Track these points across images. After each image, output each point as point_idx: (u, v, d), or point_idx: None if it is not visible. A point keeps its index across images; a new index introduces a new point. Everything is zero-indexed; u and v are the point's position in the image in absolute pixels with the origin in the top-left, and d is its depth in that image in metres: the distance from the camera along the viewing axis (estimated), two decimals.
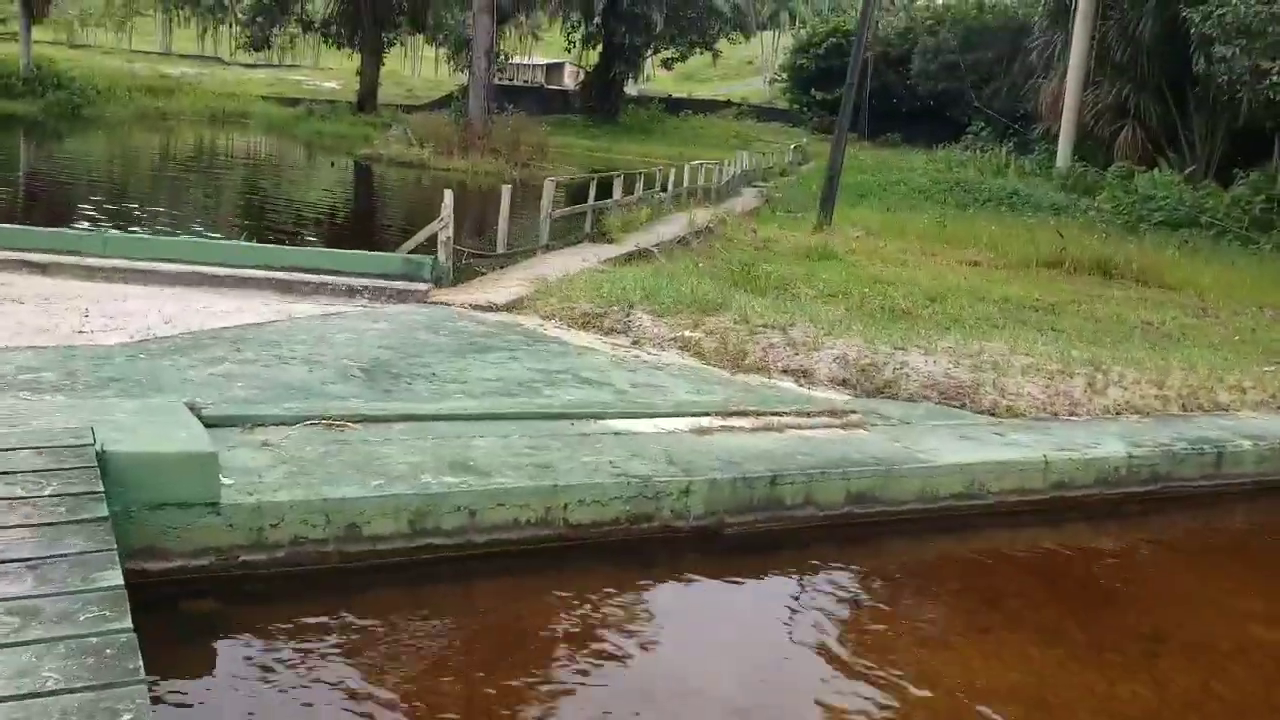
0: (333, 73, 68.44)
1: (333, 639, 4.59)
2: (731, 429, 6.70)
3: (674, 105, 61.93)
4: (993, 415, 7.80)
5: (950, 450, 6.70)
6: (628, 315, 9.65)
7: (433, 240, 10.68)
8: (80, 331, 7.53)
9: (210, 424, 5.58)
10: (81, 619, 3.15)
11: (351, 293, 9.74)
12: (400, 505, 5.09)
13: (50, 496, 4.02)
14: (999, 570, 6.12)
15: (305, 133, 41.71)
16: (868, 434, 6.86)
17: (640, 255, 14.41)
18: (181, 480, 4.69)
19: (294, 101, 51.25)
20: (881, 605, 5.66)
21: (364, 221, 21.62)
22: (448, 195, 10.42)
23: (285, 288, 9.66)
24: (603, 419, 6.61)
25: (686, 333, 9.28)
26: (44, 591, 3.29)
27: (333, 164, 32.43)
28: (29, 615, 3.13)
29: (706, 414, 6.93)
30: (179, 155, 34.35)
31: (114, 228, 15.78)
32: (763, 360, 8.61)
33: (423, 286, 10.01)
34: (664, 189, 20.61)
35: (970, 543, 6.45)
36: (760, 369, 8.49)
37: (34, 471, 4.24)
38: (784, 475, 5.94)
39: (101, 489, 4.14)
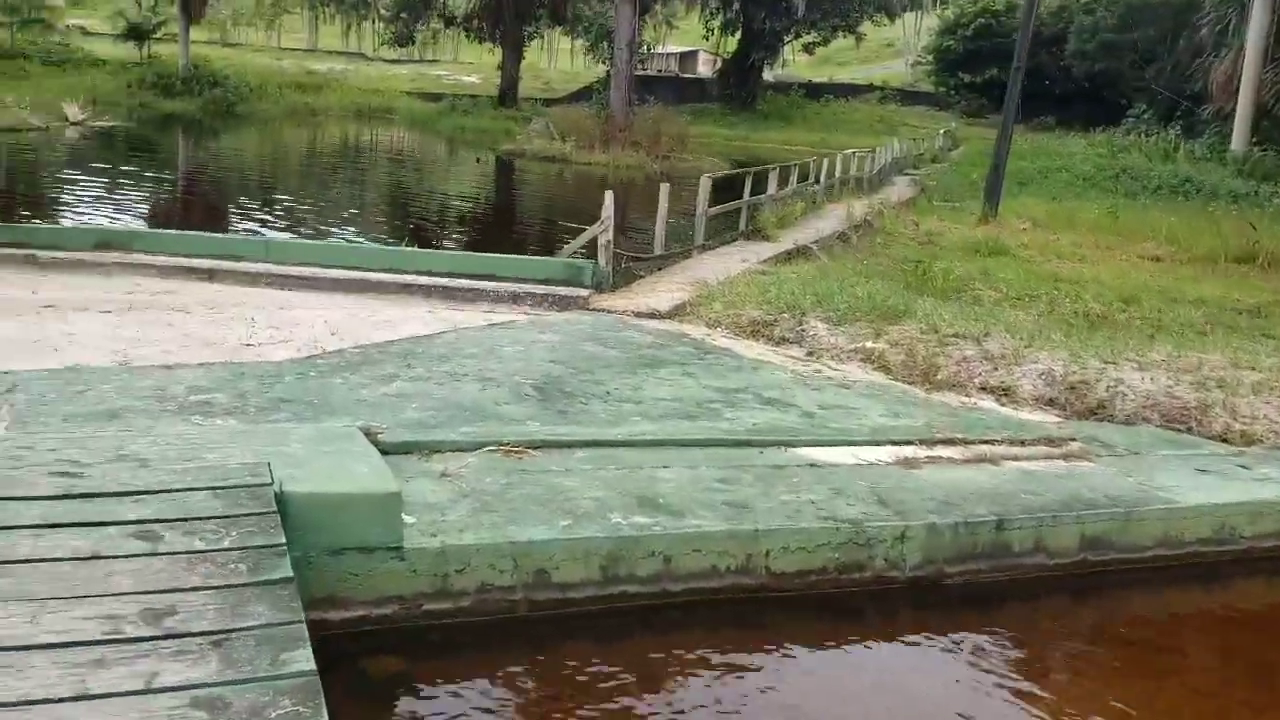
0: (472, 67, 69.37)
1: (526, 698, 4.16)
2: (940, 460, 6.05)
3: (813, 90, 60.62)
4: (1225, 441, 6.94)
5: (1191, 487, 5.91)
6: (800, 324, 9.05)
7: (592, 243, 10.27)
8: (247, 344, 7.34)
9: (387, 451, 5.25)
10: (273, 716, 2.76)
11: (514, 299, 9.40)
12: (591, 549, 4.64)
13: (230, 550, 3.68)
14: (1263, 630, 5.33)
15: (448, 128, 42.16)
16: (1094, 466, 6.12)
17: (799, 253, 13.77)
18: (364, 523, 4.33)
19: (436, 97, 51.98)
20: (1125, 668, 4.95)
21: (510, 218, 21.49)
22: (608, 197, 9.99)
23: (447, 294, 9.38)
24: (794, 447, 6.05)
25: (868, 343, 8.62)
26: (230, 678, 2.91)
27: (477, 159, 32.58)
28: (217, 711, 2.75)
29: (909, 442, 6.29)
30: (328, 151, 35.09)
31: (268, 222, 15.99)
32: (957, 376, 7.91)
33: (584, 292, 9.60)
34: (816, 180, 19.80)
35: (1220, 595, 5.67)
36: (955, 386, 7.79)
37: (212, 518, 3.92)
38: (1010, 519, 5.27)
39: (283, 541, 3.79)
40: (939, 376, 7.97)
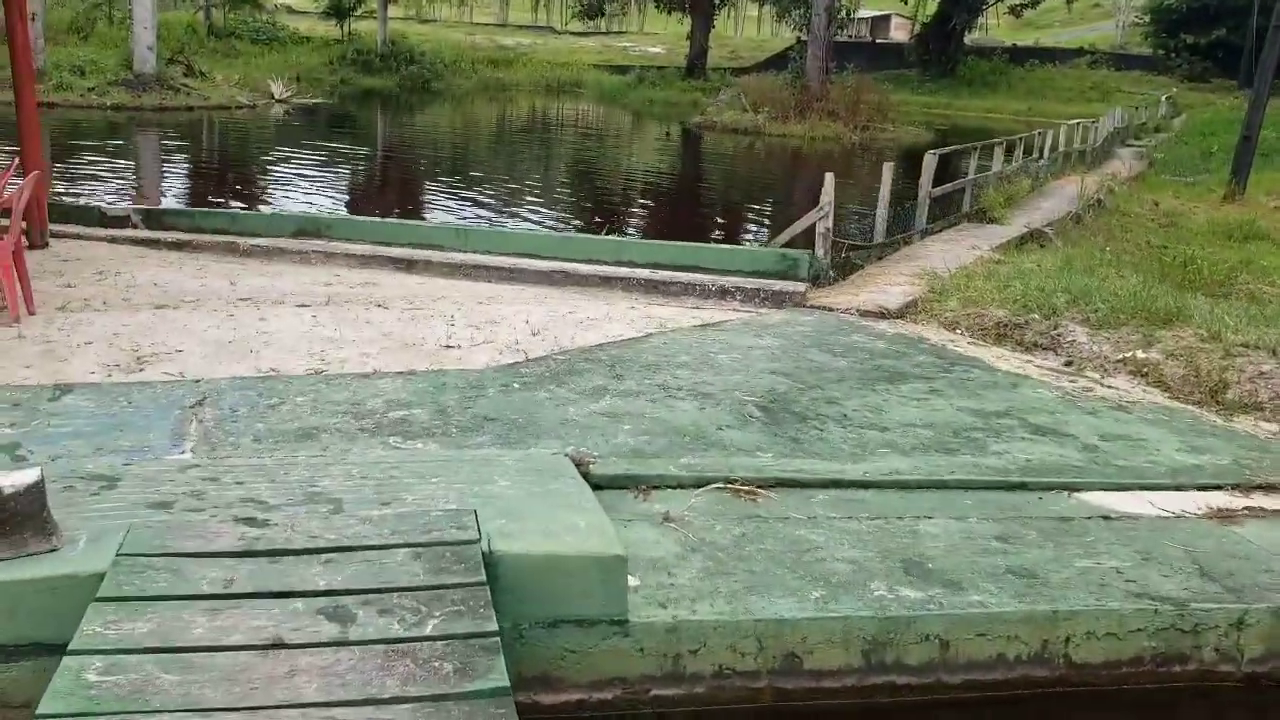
0: (657, 38, 68.71)
1: None
2: (1263, 513, 4.93)
3: (1017, 55, 57.13)
4: None
5: None
6: (1055, 327, 7.91)
7: (808, 231, 9.35)
8: (447, 346, 6.81)
9: (599, 485, 4.58)
10: None
11: (722, 294, 8.60)
12: (851, 631, 3.81)
13: (434, 640, 3.03)
14: None
15: (636, 100, 41.70)
16: None
17: (1033, 238, 12.44)
18: (583, 590, 3.65)
19: (623, 69, 51.64)
20: None
21: (702, 195, 20.69)
22: (828, 180, 9.04)
23: (651, 288, 8.67)
24: (1079, 491, 5.05)
25: (1138, 353, 7.42)
26: None
27: (667, 134, 31.94)
28: None
29: (1219, 486, 5.19)
30: (519, 126, 35.13)
31: (462, 198, 15.73)
32: (1253, 395, 6.65)
33: (800, 287, 8.71)
34: (1040, 154, 18.18)
35: None
36: (1252, 408, 6.55)
37: (413, 589, 3.29)
38: None
39: (495, 628, 3.12)
40: (1228, 395, 6.73)
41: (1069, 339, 7.78)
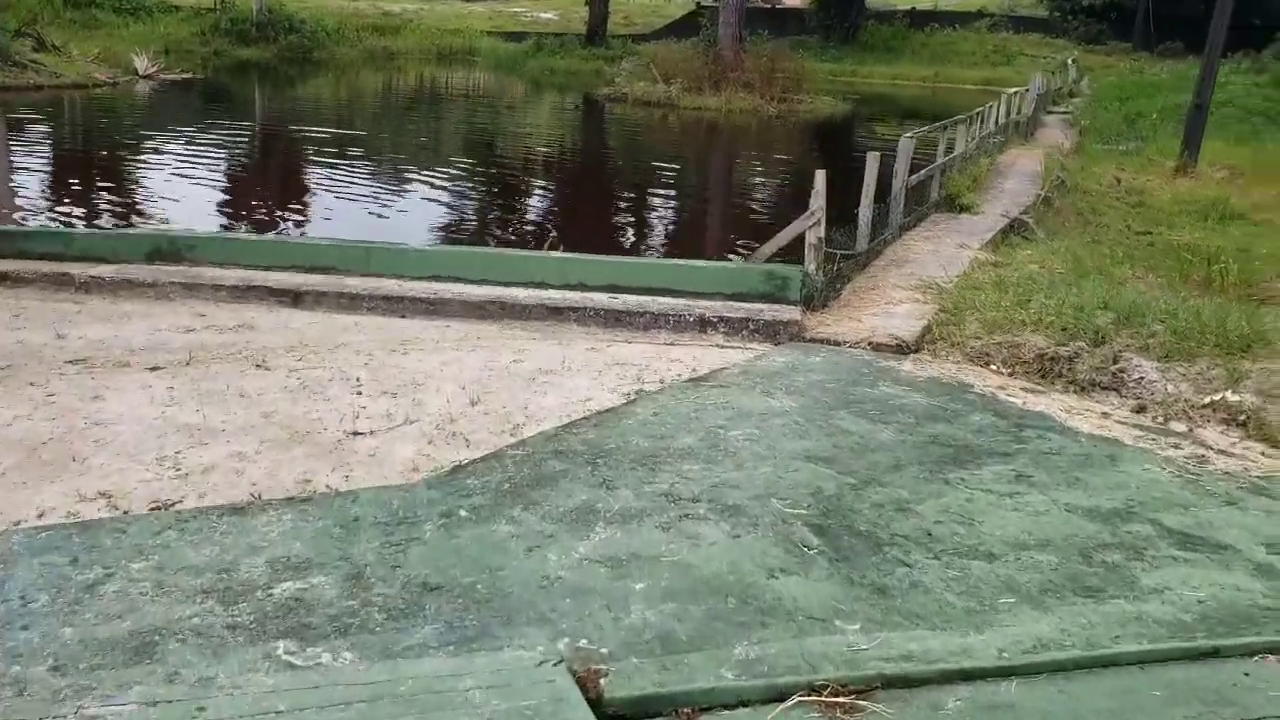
0: (550, 3, 66.17)
1: None
2: None
3: (917, 19, 56.40)
4: None
5: None
6: (1114, 360, 6.41)
7: (796, 243, 7.69)
8: (355, 433, 4.96)
9: (621, 714, 2.87)
10: None
11: (703, 325, 6.88)
12: None
13: None
14: None
15: (535, 69, 39.44)
16: None
17: (1016, 229, 11.01)
18: None
19: (517, 36, 49.15)
20: None
21: (632, 176, 18.88)
22: (819, 180, 7.37)
23: (613, 319, 6.90)
24: None
25: (1228, 395, 5.96)
26: None
27: (577, 106, 29.96)
28: None
29: None
30: (412, 98, 32.68)
31: (354, 184, 13.60)
32: None
33: (793, 312, 7.05)
34: (997, 129, 16.86)
35: None
36: None
37: None
38: None
39: None
40: None
41: (1135, 376, 6.28)
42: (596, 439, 4.87)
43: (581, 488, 4.33)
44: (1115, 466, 4.97)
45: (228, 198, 14.10)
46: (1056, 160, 17.07)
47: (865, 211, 8.63)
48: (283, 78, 34.99)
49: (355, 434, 4.97)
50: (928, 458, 4.89)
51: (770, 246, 7.87)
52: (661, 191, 17.27)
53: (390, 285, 7.21)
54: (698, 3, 52.91)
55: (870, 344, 6.68)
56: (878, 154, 8.68)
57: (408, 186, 15.77)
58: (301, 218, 13.06)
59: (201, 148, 18.36)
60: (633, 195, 16.83)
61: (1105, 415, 5.77)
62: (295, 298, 7.06)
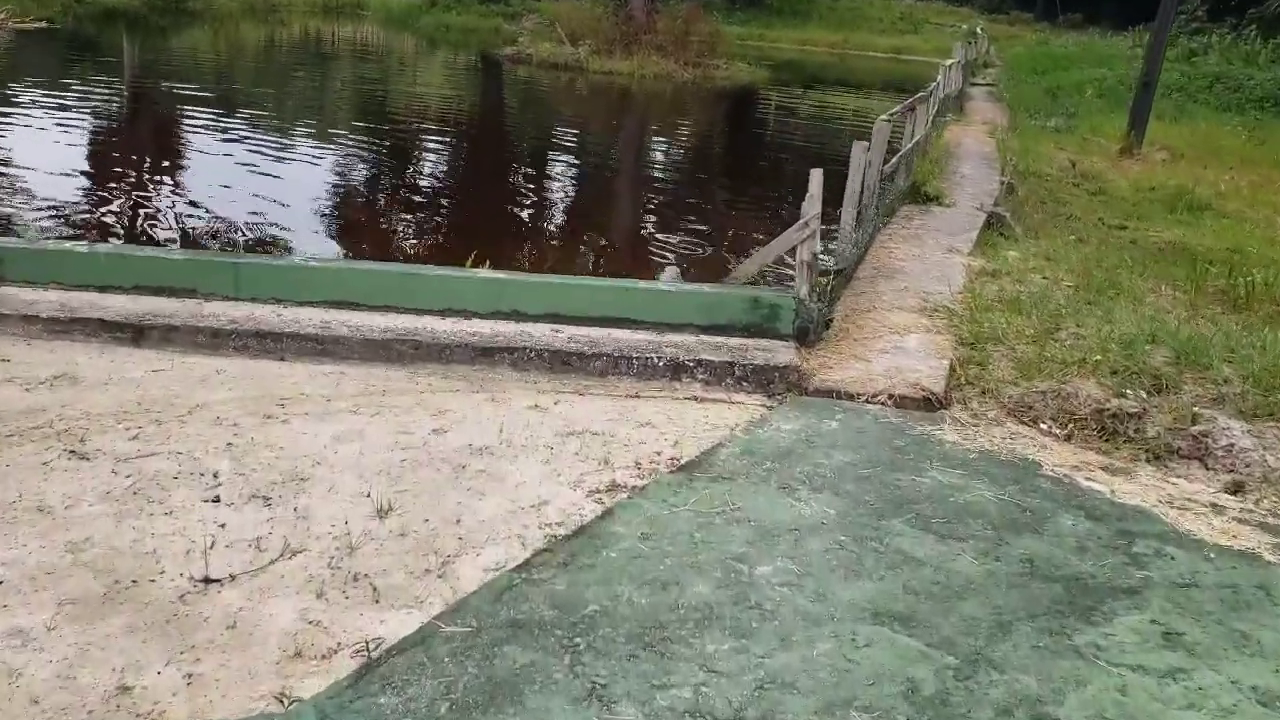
0: None
1: None
2: None
3: None
4: None
5: None
6: (1191, 420, 5.11)
7: (778, 260, 6.20)
8: (206, 579, 3.33)
9: None
10: None
11: (676, 371, 5.36)
12: None
13: None
14: None
15: (430, 25, 37.04)
16: None
17: (994, 226, 9.73)
18: None
19: None
20: None
21: (544, 147, 17.13)
22: (815, 180, 5.88)
23: (560, 362, 5.33)
24: None
25: None
26: None
27: (477, 67, 27.91)
28: None
29: None
30: (297, 54, 30.16)
31: (228, 155, 11.58)
32: None
33: (786, 351, 5.58)
34: (947, 107, 15.62)
35: None
36: None
37: None
38: None
39: None
40: None
41: (1222, 441, 5.00)
42: (569, 592, 3.32)
43: (560, 703, 2.79)
44: (1275, 606, 3.64)
45: (78, 170, 12.00)
46: (1001, 140, 15.97)
47: (849, 212, 7.18)
48: (153, 28, 32.12)
49: (208, 581, 3.33)
50: (1036, 605, 3.47)
51: (753, 264, 6.37)
52: (578, 164, 15.64)
53: (265, 315, 5.50)
54: None
55: (892, 398, 5.25)
56: (866, 143, 7.23)
57: (290, 155, 13.86)
58: (166, 193, 11.13)
59: (51, 109, 16.01)
60: (547, 169, 15.14)
61: (1216, 509, 4.44)
62: (137, 333, 5.30)
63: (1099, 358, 5.74)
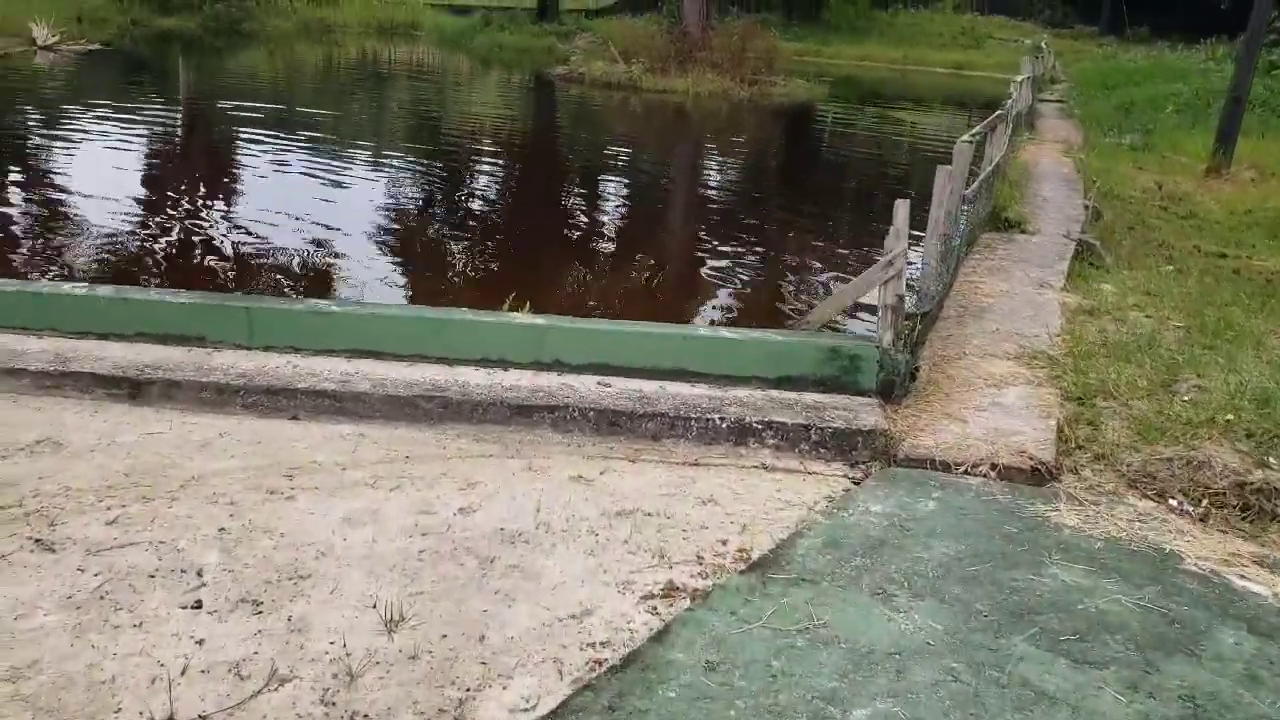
0: None
1: None
2: None
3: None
4: None
5: None
6: None
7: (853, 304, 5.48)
8: None
9: None
10: None
11: (741, 435, 4.66)
12: None
13: None
14: None
15: (483, 46, 36.77)
16: None
17: (1083, 255, 8.92)
18: None
19: (463, 9, 46.32)
20: None
21: (611, 172, 16.53)
22: (900, 209, 5.17)
23: (608, 424, 4.66)
24: None
25: None
26: None
27: (529, 87, 27.48)
28: None
29: None
30: (351, 75, 29.98)
31: (280, 166, 11.10)
32: None
33: (868, 410, 4.86)
34: (1027, 123, 14.75)
35: None
36: None
37: None
38: None
39: None
40: None
41: None
42: None
43: None
44: None
45: (131, 194, 11.67)
46: (1079, 159, 15.09)
47: (933, 245, 6.44)
48: (208, 49, 32.10)
49: None
50: None
51: (829, 307, 5.66)
52: (630, 185, 15.01)
53: (279, 368, 4.90)
54: None
55: (995, 468, 4.51)
56: (949, 167, 6.49)
57: (342, 177, 13.48)
58: (218, 216, 10.85)
59: (106, 131, 15.79)
60: (597, 191, 14.54)
61: None
62: (135, 389, 4.72)
63: (1230, 417, 4.96)
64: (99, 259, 8.92)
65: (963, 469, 4.52)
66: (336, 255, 9.54)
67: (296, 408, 4.70)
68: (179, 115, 19.29)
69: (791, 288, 9.33)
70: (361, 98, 24.24)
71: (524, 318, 5.18)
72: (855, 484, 4.41)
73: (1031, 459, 4.57)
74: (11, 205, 10.94)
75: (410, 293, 8.71)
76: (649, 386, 4.92)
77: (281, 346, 5.08)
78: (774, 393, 4.97)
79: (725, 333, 5.11)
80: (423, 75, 30.95)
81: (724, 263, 10.23)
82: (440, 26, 41.46)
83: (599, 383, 4.92)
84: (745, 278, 9.86)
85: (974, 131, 8.37)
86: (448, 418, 4.69)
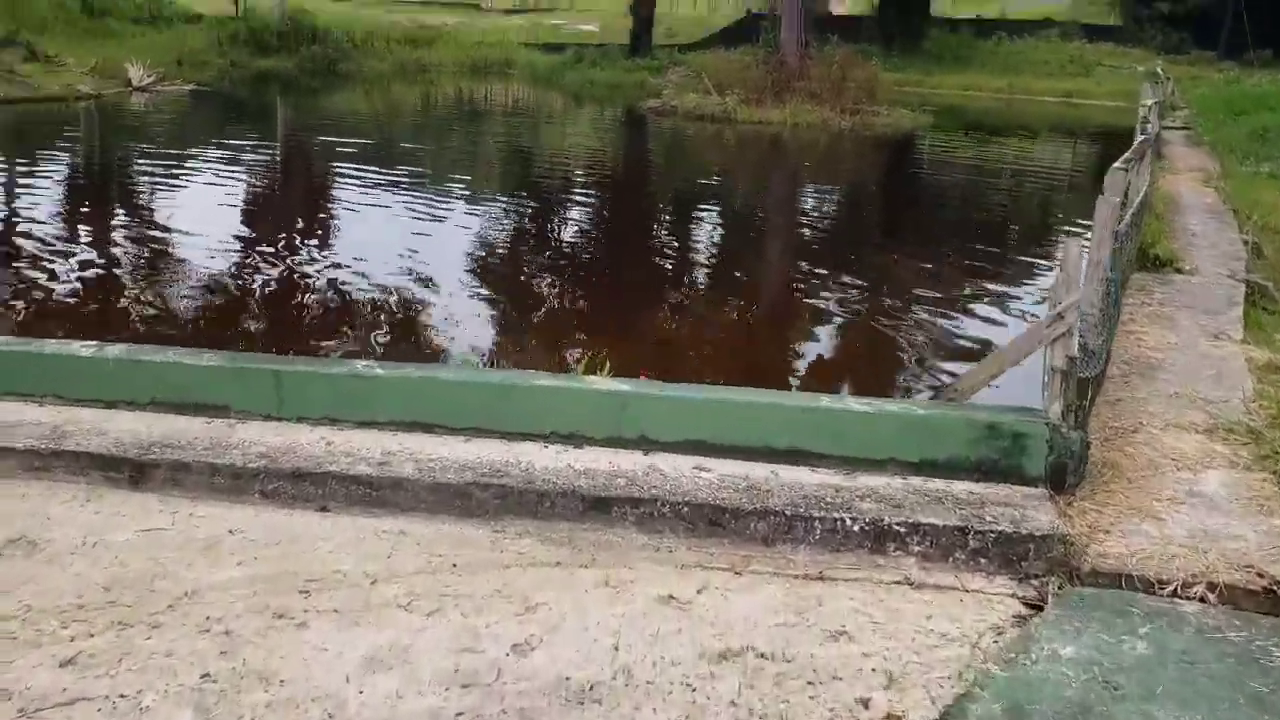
0: (592, 14, 63.40)
1: None
2: None
3: (982, 28, 52.78)
4: None
5: None
6: None
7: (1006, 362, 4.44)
8: None
9: None
10: None
11: (877, 540, 3.66)
12: None
13: None
14: None
15: (575, 81, 36.40)
16: None
17: (1256, 300, 7.70)
18: None
19: (557, 47, 46.23)
20: None
21: (708, 208, 15.67)
22: (1070, 250, 4.19)
23: (705, 521, 3.71)
24: None
25: None
26: None
27: (621, 121, 26.87)
28: None
29: None
30: (446, 113, 29.77)
31: (365, 229, 10.47)
32: None
33: (1038, 505, 3.83)
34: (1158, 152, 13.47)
35: None
36: None
37: None
38: None
39: None
40: None
41: None
42: None
43: None
44: None
45: (225, 230, 11.48)
46: (1220, 188, 13.72)
47: (1093, 290, 5.34)
48: (305, 90, 32.28)
49: None
50: None
51: (983, 372, 4.64)
52: (724, 221, 14.10)
53: (309, 445, 4.06)
54: (748, 10, 49.78)
55: (1213, 588, 3.43)
56: (1112, 199, 5.40)
57: (432, 215, 13.05)
58: (302, 254, 10.74)
59: (205, 169, 15.60)
60: (689, 228, 13.66)
61: None
62: (137, 472, 3.92)
63: None
64: (179, 296, 8.73)
65: (1170, 589, 3.45)
66: (413, 296, 9.07)
67: (326, 496, 3.86)
68: (275, 153, 19.12)
69: (925, 342, 8.23)
70: (454, 135, 23.89)
71: (602, 383, 4.27)
72: (1030, 608, 3.38)
73: (1262, 576, 3.48)
74: (99, 242, 10.78)
75: (487, 337, 7.99)
76: (758, 472, 3.96)
77: (316, 417, 4.25)
78: (916, 481, 3.96)
79: (854, 403, 4.12)
80: (515, 112, 30.64)
81: (839, 310, 9.25)
82: (533, 64, 41.30)
83: (695, 467, 3.97)
84: (866, 330, 8.83)
85: (1125, 158, 7.25)
86: (506, 511, 3.79)
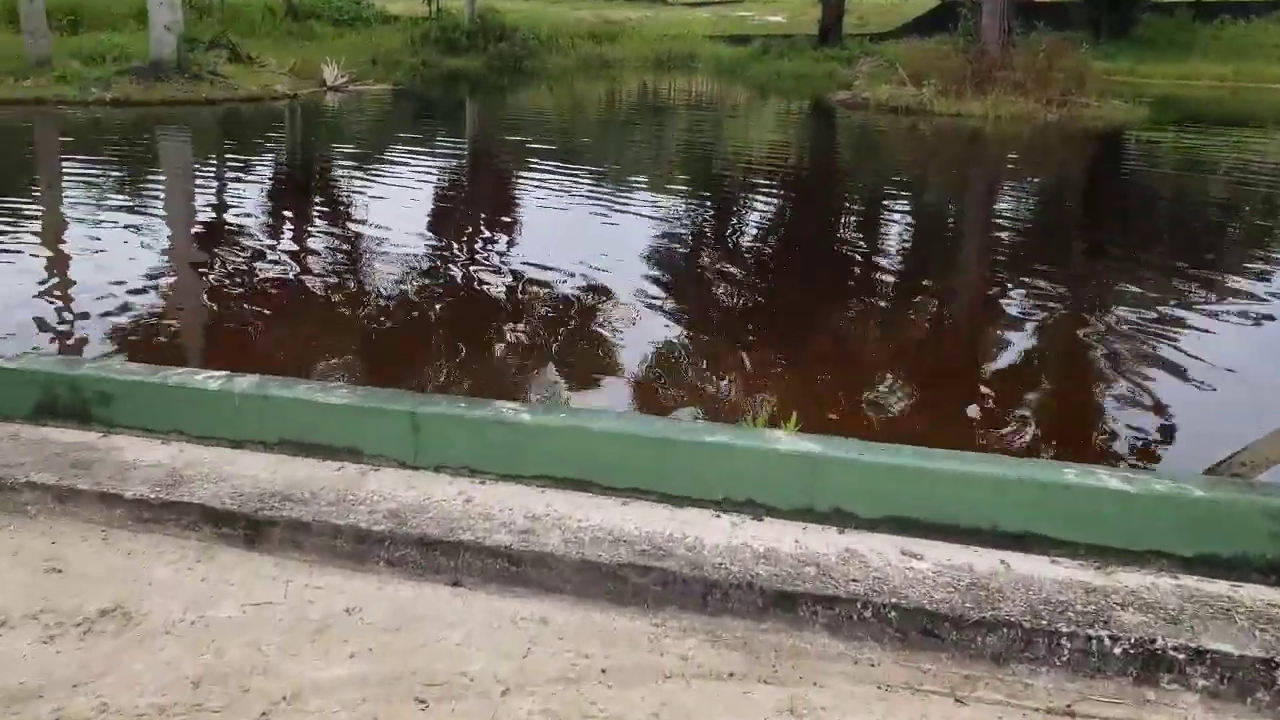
0: (779, 5, 62.25)
1: None
2: None
3: (1201, 11, 48.89)
4: None
5: None
6: None
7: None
8: None
9: None
10: None
11: (1144, 668, 2.80)
12: None
13: None
14: None
15: (761, 73, 35.57)
16: None
17: None
18: None
19: (742, 39, 45.48)
20: None
21: (897, 212, 14.70)
22: None
23: (916, 628, 2.93)
24: None
25: None
26: None
27: (807, 114, 25.93)
28: None
29: None
30: (628, 108, 29.50)
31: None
32: None
33: None
34: None
35: None
36: None
37: None
38: None
39: None
40: None
41: None
42: None
43: None
44: None
45: (416, 225, 11.63)
46: None
47: None
48: (492, 87, 32.65)
49: None
50: None
51: (1272, 446, 3.68)
52: (929, 228, 13.06)
53: (445, 502, 3.50)
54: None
55: None
56: None
57: (612, 211, 12.74)
58: (497, 248, 10.68)
59: (398, 164, 15.81)
60: (896, 235, 12.71)
61: None
62: (252, 529, 3.45)
63: None
64: (361, 295, 8.67)
65: None
66: (582, 304, 8.54)
67: (460, 569, 3.28)
68: (465, 148, 19.27)
69: (1194, 395, 6.98)
70: (637, 130, 23.51)
71: (788, 440, 3.53)
72: None
73: None
74: (290, 236, 11.04)
75: (652, 358, 7.34)
76: (982, 563, 3.16)
77: (454, 466, 3.69)
78: (1190, 582, 3.07)
79: (1108, 477, 3.25)
80: (700, 106, 30.06)
81: (1050, 340, 8.19)
82: (717, 57, 40.70)
83: (903, 552, 3.21)
84: (1082, 361, 7.77)
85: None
86: (668, 600, 3.12)
